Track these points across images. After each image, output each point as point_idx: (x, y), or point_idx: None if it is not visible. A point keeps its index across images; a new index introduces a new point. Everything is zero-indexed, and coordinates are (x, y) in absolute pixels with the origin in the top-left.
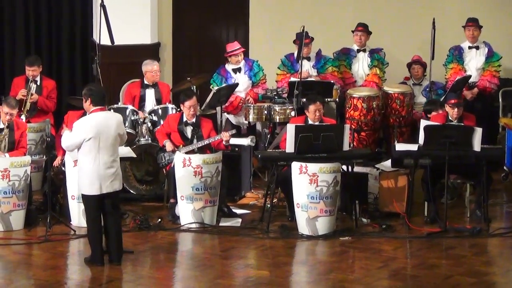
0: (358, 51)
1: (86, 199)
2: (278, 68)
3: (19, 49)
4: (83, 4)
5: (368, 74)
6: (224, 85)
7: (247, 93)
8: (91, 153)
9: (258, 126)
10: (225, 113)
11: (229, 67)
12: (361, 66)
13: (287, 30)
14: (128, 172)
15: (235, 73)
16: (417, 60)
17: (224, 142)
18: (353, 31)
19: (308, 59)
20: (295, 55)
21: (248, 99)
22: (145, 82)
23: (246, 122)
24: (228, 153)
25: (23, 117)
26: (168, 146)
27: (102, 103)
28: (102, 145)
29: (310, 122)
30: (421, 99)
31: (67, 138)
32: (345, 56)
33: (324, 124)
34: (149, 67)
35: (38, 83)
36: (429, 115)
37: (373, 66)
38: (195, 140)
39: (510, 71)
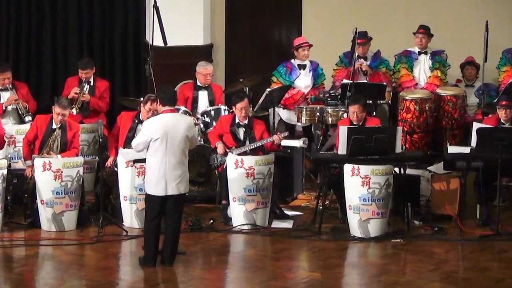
0: (420, 53)
1: (149, 198)
2: (336, 64)
3: (72, 50)
4: (136, 5)
5: (430, 77)
6: (276, 87)
7: (309, 91)
8: (157, 153)
9: (300, 128)
10: (280, 108)
11: (295, 62)
12: (422, 68)
13: (340, 32)
14: None
15: (300, 69)
16: (471, 61)
17: (275, 143)
18: (414, 33)
19: (365, 58)
20: None
21: (308, 97)
22: (198, 83)
23: (300, 124)
24: (281, 154)
25: (73, 111)
26: (220, 148)
27: (171, 104)
28: (169, 146)
29: (354, 123)
30: (474, 100)
31: (135, 138)
32: (406, 59)
33: (376, 126)
34: (202, 69)
35: (92, 84)
36: (485, 117)
37: (435, 69)
38: (247, 142)
39: None
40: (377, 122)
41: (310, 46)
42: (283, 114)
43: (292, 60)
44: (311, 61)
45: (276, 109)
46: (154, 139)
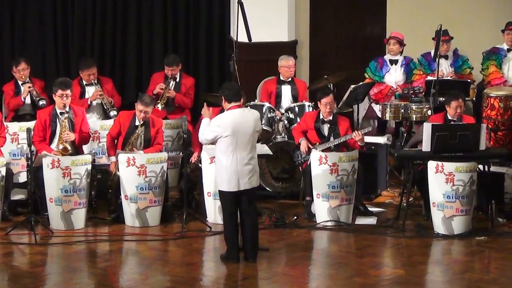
0: (508, 50)
1: (223, 195)
2: (415, 67)
3: (157, 45)
4: (221, 1)
5: None
6: (360, 83)
7: (398, 86)
8: (228, 150)
9: (392, 124)
10: (372, 103)
11: (387, 57)
12: (511, 66)
13: (425, 27)
14: (264, 169)
15: (391, 64)
16: None
17: (359, 142)
18: (502, 31)
19: (446, 57)
20: (432, 54)
21: (397, 90)
22: (281, 78)
23: (392, 120)
24: (365, 151)
25: (159, 106)
26: (303, 145)
27: (237, 99)
28: (240, 142)
29: (450, 118)
30: None
31: (204, 131)
32: (495, 56)
33: (460, 123)
34: (284, 62)
35: (178, 80)
36: None
37: None
38: (331, 138)
39: None
40: (472, 120)
41: (400, 43)
42: (376, 108)
43: (385, 56)
44: (404, 57)
45: (372, 104)
46: (224, 136)
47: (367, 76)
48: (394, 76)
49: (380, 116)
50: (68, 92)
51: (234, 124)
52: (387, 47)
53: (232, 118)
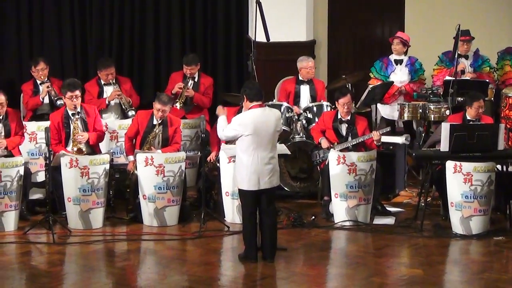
0: None
1: (243, 194)
2: (436, 64)
3: (175, 45)
4: (239, 1)
5: None
6: (378, 83)
7: (404, 85)
8: (249, 149)
9: (401, 124)
10: (379, 105)
11: (392, 57)
12: None
13: (443, 28)
14: (282, 169)
15: (396, 64)
16: None
17: (375, 142)
18: None
19: (466, 57)
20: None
21: (402, 89)
22: (300, 78)
23: (401, 120)
24: (383, 151)
25: (177, 105)
26: (324, 143)
27: (258, 98)
28: (260, 141)
29: (469, 118)
30: None
31: (224, 129)
32: (510, 56)
33: (479, 123)
34: (304, 63)
35: (196, 80)
36: None
37: None
38: (349, 138)
39: None
40: (490, 120)
41: (404, 43)
42: (384, 110)
43: (390, 56)
44: (409, 57)
45: (377, 104)
46: (245, 135)
47: (372, 75)
48: (399, 76)
49: (389, 116)
50: (77, 93)
51: (256, 123)
52: (392, 46)
53: (254, 117)
